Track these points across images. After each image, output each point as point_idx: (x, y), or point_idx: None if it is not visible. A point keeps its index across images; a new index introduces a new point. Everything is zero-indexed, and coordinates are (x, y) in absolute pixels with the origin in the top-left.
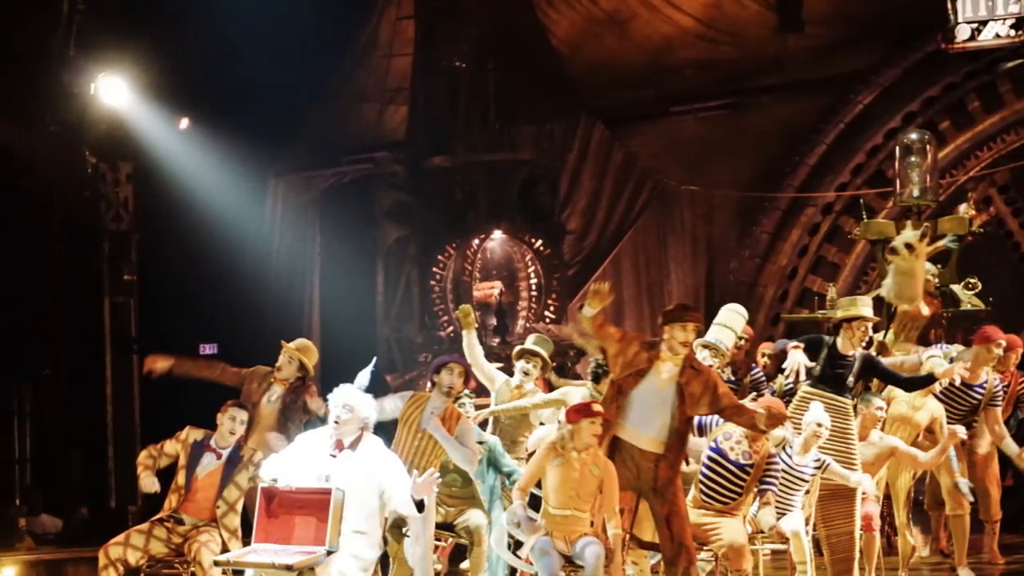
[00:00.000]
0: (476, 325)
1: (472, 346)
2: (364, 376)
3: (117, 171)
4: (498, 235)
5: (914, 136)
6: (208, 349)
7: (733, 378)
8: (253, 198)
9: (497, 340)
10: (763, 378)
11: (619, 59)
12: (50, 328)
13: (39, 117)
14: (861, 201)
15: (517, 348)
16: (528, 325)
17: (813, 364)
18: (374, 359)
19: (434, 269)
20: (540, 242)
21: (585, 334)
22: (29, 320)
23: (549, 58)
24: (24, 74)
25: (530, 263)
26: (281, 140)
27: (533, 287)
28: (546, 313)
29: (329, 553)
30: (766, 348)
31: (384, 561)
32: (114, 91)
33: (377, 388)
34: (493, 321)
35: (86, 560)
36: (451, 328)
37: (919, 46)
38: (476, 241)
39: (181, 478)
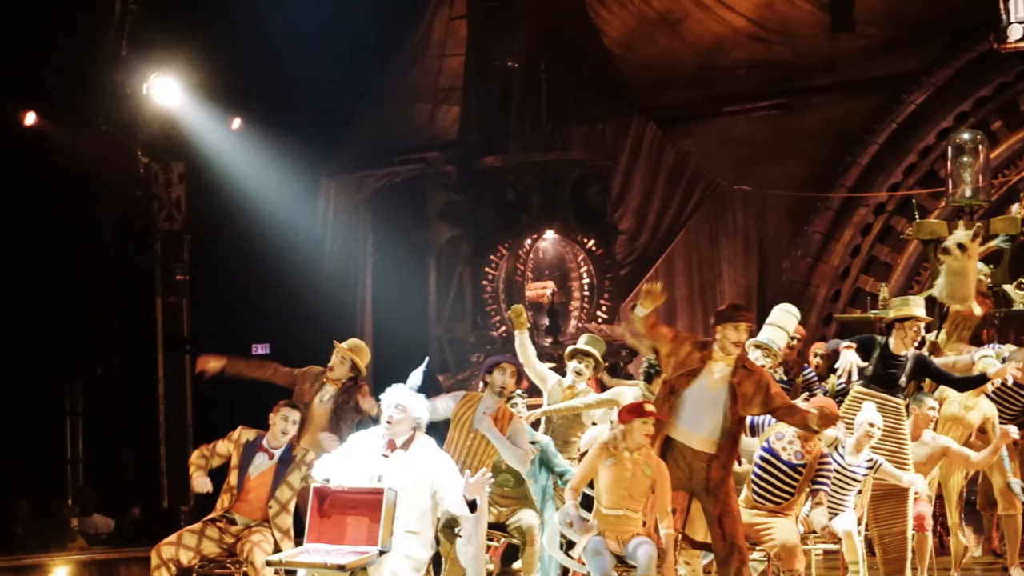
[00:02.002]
0: (528, 325)
1: (524, 346)
2: (416, 376)
3: (169, 171)
4: (550, 235)
5: (966, 136)
6: (260, 349)
7: (785, 378)
8: (305, 198)
9: (549, 340)
10: (815, 378)
11: (671, 59)
12: (102, 328)
13: (91, 117)
14: (913, 201)
15: (569, 348)
16: (580, 325)
17: (865, 364)
18: (426, 359)
19: (486, 269)
20: (592, 242)
21: (637, 334)
22: (82, 320)
23: (601, 58)
24: (77, 74)
25: (582, 263)
26: (333, 140)
27: (585, 287)
28: (598, 313)
29: (381, 553)
30: (818, 348)
31: (436, 561)
32: (166, 91)
33: (429, 388)
34: (545, 321)
35: (138, 560)
36: (503, 328)
37: (971, 46)
38: (528, 241)
39: (233, 478)
